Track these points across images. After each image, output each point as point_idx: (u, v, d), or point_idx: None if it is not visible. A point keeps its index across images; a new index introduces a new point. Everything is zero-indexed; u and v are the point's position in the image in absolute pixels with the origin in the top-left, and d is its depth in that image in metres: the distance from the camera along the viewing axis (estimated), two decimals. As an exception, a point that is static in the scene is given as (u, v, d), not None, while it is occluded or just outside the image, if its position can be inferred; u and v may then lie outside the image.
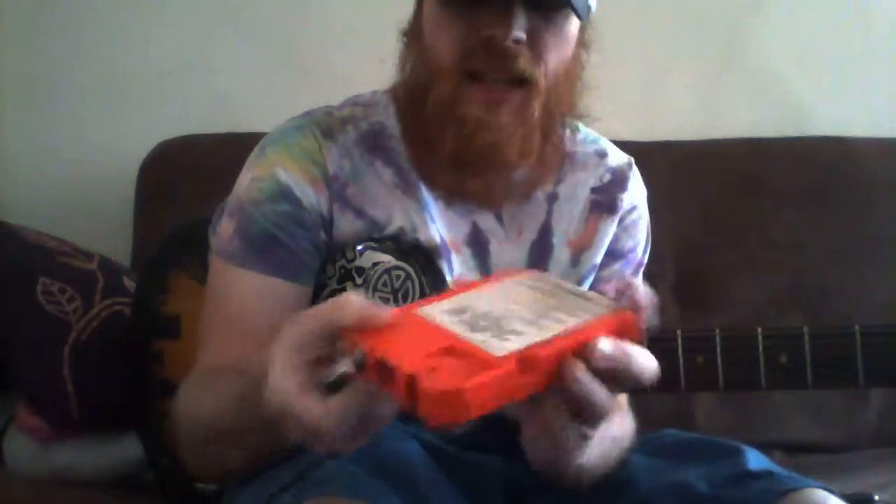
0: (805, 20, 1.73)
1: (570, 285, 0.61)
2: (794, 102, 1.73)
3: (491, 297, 0.58)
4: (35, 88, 1.67)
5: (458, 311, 0.56)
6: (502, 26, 0.81)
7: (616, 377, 0.54)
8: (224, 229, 0.90)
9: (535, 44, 0.84)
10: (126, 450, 1.21)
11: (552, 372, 0.52)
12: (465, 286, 0.61)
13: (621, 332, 0.54)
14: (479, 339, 0.53)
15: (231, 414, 0.72)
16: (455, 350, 0.52)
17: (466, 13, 0.83)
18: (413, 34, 0.91)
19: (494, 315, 0.55)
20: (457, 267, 0.91)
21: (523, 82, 0.84)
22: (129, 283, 1.27)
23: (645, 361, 0.55)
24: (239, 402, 0.70)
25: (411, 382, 0.48)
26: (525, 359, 0.50)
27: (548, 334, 0.53)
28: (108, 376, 1.19)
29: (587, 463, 0.66)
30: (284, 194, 0.88)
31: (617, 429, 0.71)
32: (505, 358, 0.50)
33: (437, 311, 0.56)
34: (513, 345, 0.52)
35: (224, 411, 0.73)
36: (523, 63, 0.83)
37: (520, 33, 0.81)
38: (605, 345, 0.53)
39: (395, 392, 0.50)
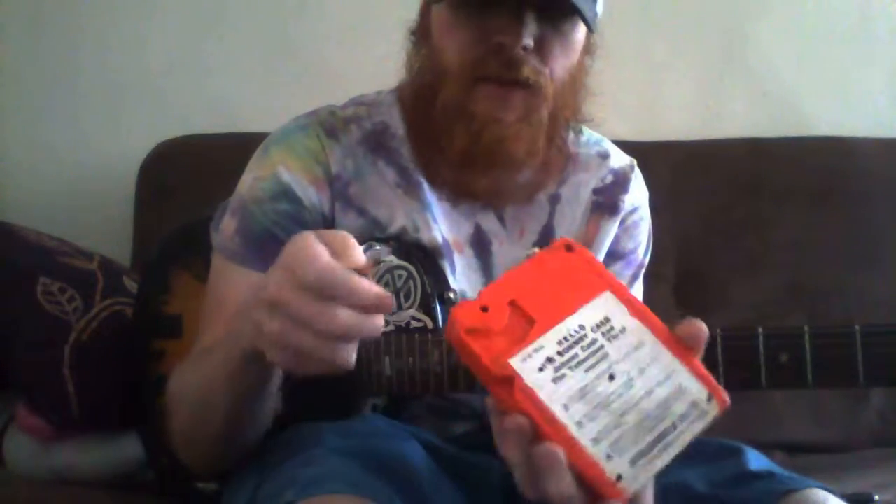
0: (805, 20, 1.73)
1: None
2: (794, 102, 1.73)
3: (633, 356, 0.54)
4: (35, 89, 1.67)
5: (606, 329, 0.54)
6: (512, 33, 0.82)
7: None
8: (226, 227, 0.90)
9: (543, 51, 0.84)
10: (126, 450, 1.21)
11: None
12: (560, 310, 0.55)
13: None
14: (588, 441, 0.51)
15: (206, 366, 0.74)
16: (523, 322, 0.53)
17: (477, 18, 0.84)
18: (421, 34, 0.91)
19: (599, 364, 0.53)
20: (459, 267, 0.92)
21: (529, 87, 0.84)
22: (130, 283, 1.27)
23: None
24: (213, 348, 0.73)
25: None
26: None
27: None
28: (108, 376, 1.19)
29: None
30: (286, 193, 0.89)
31: None
32: None
33: (602, 310, 0.54)
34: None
35: (201, 370, 0.75)
36: (530, 70, 0.83)
37: (529, 41, 0.82)
38: None
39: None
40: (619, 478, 0.50)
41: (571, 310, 0.54)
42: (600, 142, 1.02)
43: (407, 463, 0.75)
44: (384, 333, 0.86)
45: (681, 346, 0.54)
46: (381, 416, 0.86)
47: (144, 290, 1.19)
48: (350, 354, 0.58)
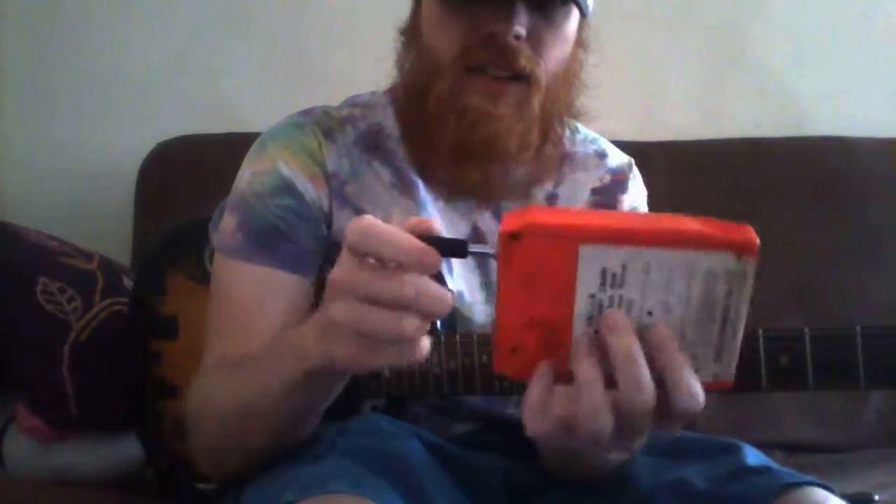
0: (805, 20, 1.72)
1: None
2: (794, 102, 1.72)
3: (651, 282, 0.51)
4: (35, 89, 1.67)
5: (611, 281, 0.51)
6: (503, 22, 0.82)
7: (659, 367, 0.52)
8: (226, 225, 0.90)
9: (535, 41, 0.84)
10: (126, 450, 1.21)
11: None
12: (652, 230, 0.51)
13: None
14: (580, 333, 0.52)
15: (255, 380, 0.73)
16: (550, 334, 0.53)
17: (467, 10, 0.84)
18: (411, 33, 0.91)
19: (632, 312, 0.52)
20: (456, 268, 0.91)
21: (523, 78, 0.84)
22: (129, 283, 1.27)
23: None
24: (264, 362, 0.72)
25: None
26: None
27: None
28: (107, 376, 1.19)
29: (608, 458, 0.67)
30: (287, 188, 0.88)
31: None
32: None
33: (595, 266, 0.51)
34: None
35: (247, 385, 0.74)
36: (523, 59, 0.83)
37: (521, 29, 0.82)
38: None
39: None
40: (716, 376, 0.52)
41: (572, 289, 0.52)
42: (597, 140, 1.02)
43: (408, 462, 0.75)
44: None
45: (676, 233, 0.51)
46: (382, 415, 0.86)
47: (139, 291, 1.18)
48: (421, 335, 0.56)
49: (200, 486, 1.06)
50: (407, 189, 0.91)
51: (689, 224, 0.51)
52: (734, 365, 0.52)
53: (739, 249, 0.49)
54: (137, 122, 1.66)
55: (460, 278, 0.92)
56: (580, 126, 1.00)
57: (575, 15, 0.87)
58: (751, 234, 0.50)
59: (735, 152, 1.62)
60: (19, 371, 1.19)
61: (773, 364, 0.73)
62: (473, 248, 0.55)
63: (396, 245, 0.53)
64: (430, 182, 0.92)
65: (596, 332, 0.53)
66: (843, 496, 0.74)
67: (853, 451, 1.43)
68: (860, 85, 1.73)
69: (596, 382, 0.53)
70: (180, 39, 1.68)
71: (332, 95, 1.02)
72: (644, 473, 0.80)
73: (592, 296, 0.52)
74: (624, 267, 0.50)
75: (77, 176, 1.67)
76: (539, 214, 0.52)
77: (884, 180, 1.58)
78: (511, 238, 0.51)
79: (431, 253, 0.53)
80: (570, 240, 0.50)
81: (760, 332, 0.73)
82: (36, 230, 1.31)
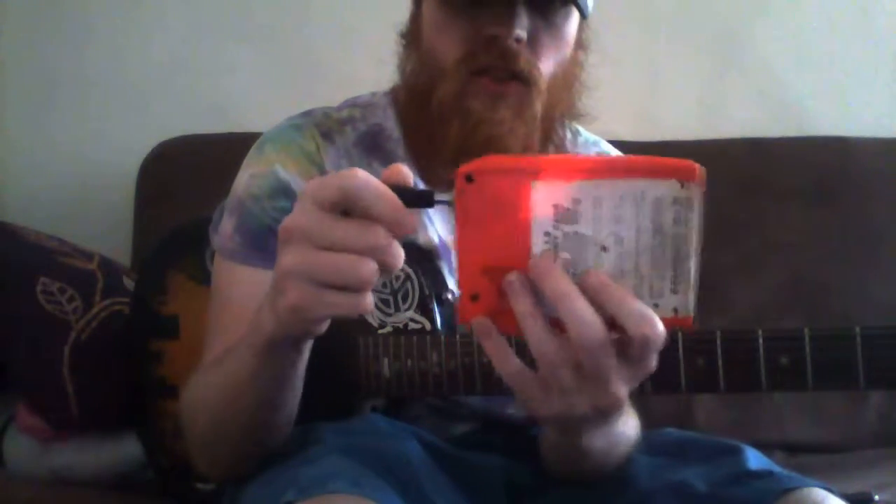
0: (805, 20, 1.72)
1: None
2: (794, 102, 1.72)
3: (603, 215, 0.52)
4: (36, 89, 1.67)
5: (564, 217, 0.52)
6: (504, 25, 0.82)
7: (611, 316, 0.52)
8: (224, 227, 0.90)
9: (536, 43, 0.84)
10: (126, 450, 1.21)
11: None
12: (606, 166, 0.53)
13: None
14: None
15: (228, 365, 0.72)
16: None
17: (468, 13, 0.84)
18: (412, 36, 0.91)
19: (587, 248, 0.52)
20: (456, 268, 0.91)
21: (524, 80, 0.84)
22: (129, 283, 1.27)
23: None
24: (234, 347, 0.71)
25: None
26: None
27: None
28: (107, 376, 1.19)
29: (593, 447, 0.67)
30: (284, 191, 0.88)
31: (622, 425, 0.71)
32: None
33: (548, 203, 0.52)
34: None
35: (226, 372, 0.73)
36: (524, 62, 0.84)
37: (521, 32, 0.82)
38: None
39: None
40: (676, 311, 0.53)
41: (528, 229, 0.53)
42: (598, 142, 1.02)
43: (407, 462, 0.75)
44: (382, 335, 0.86)
45: (623, 163, 0.53)
46: (382, 415, 0.86)
47: (140, 291, 1.19)
48: (372, 282, 0.54)
49: (200, 486, 1.06)
50: (407, 190, 0.91)
51: (635, 159, 0.53)
52: (693, 299, 0.53)
53: (683, 175, 0.51)
54: (137, 122, 1.66)
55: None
56: (581, 129, 1.00)
57: (575, 16, 0.87)
58: (694, 165, 0.52)
59: (735, 152, 1.62)
60: (19, 371, 1.19)
61: (772, 364, 0.72)
62: (440, 197, 0.55)
63: (386, 202, 0.53)
64: (431, 183, 0.92)
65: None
66: (843, 496, 0.74)
67: (853, 451, 1.43)
68: (860, 85, 1.73)
69: (534, 316, 0.53)
70: (180, 39, 1.68)
71: (332, 95, 1.02)
72: (644, 474, 0.80)
73: (547, 234, 0.52)
74: (576, 201, 0.52)
75: (77, 176, 1.67)
76: (494, 158, 0.54)
77: (884, 180, 1.58)
78: (466, 179, 0.52)
79: (412, 217, 0.54)
80: (522, 175, 0.52)
81: (760, 332, 0.73)
82: (36, 230, 1.31)
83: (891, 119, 1.72)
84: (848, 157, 1.60)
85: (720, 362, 0.73)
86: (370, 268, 0.54)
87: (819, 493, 0.73)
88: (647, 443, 0.84)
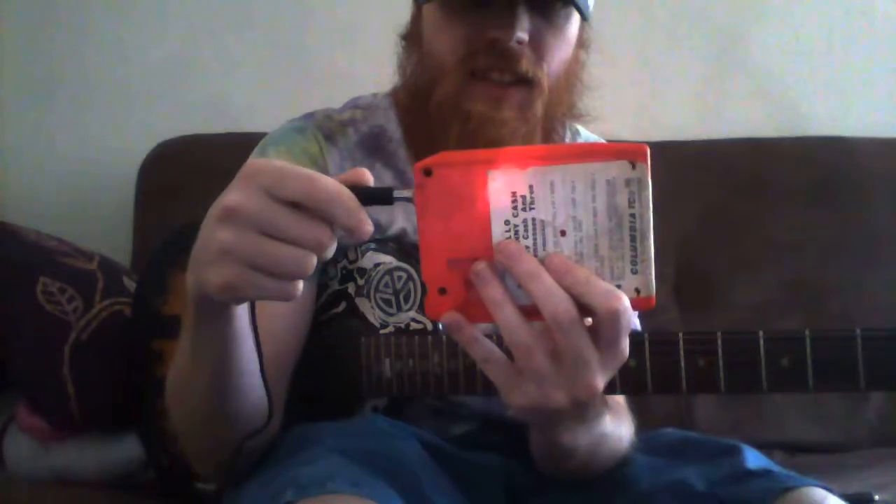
0: (805, 20, 1.73)
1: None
2: (794, 102, 1.73)
3: (558, 199, 0.53)
4: (36, 89, 1.67)
5: (522, 204, 0.53)
6: (505, 27, 0.82)
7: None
8: None
9: (537, 45, 0.84)
10: (126, 450, 1.21)
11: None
12: (557, 153, 0.54)
13: None
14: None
15: (182, 344, 0.70)
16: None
17: (469, 15, 0.84)
18: (412, 38, 0.91)
19: (546, 234, 0.54)
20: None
21: (526, 82, 0.84)
22: (129, 283, 1.27)
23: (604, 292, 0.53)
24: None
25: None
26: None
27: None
28: (108, 376, 1.19)
29: (577, 445, 0.67)
30: None
31: (610, 425, 0.71)
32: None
33: (505, 191, 0.53)
34: None
35: (178, 357, 0.72)
36: (526, 63, 0.83)
37: (523, 34, 0.82)
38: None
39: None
40: (638, 292, 0.54)
41: (488, 219, 0.54)
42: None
43: (407, 462, 0.75)
44: (384, 335, 0.86)
45: (573, 149, 0.54)
46: (382, 416, 0.86)
47: (142, 291, 1.19)
48: (308, 275, 0.55)
49: (200, 485, 1.06)
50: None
51: (587, 144, 0.55)
52: (652, 279, 0.54)
53: (632, 156, 0.53)
54: (137, 122, 1.66)
55: None
56: (581, 128, 1.00)
57: (576, 16, 0.87)
58: (643, 146, 0.53)
59: (735, 152, 1.62)
60: (19, 371, 1.19)
61: (773, 365, 0.73)
62: (398, 194, 0.56)
63: (346, 207, 0.53)
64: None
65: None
66: (843, 496, 0.74)
67: (853, 451, 1.43)
68: (860, 85, 1.73)
69: (505, 302, 0.54)
70: (180, 39, 1.68)
71: (333, 95, 1.02)
72: (643, 474, 0.80)
73: (507, 222, 0.54)
74: (531, 188, 0.53)
75: (77, 176, 1.67)
76: (450, 152, 0.55)
77: (883, 180, 1.58)
78: (424, 173, 0.54)
79: (368, 226, 0.54)
80: (478, 165, 0.53)
81: (761, 333, 0.73)
82: (36, 230, 1.31)
83: (891, 119, 1.72)
84: (848, 157, 1.60)
85: (720, 363, 0.74)
86: (311, 262, 0.54)
87: (818, 492, 0.73)
88: (647, 443, 0.84)
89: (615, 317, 0.53)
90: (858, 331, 0.71)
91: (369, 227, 0.54)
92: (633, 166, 0.53)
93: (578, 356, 0.55)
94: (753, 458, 0.80)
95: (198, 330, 0.65)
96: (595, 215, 0.53)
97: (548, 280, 0.53)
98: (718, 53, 1.73)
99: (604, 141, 1.04)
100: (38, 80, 1.67)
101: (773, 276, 1.53)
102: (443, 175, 0.54)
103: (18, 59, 1.66)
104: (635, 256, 0.54)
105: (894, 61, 1.74)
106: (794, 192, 1.57)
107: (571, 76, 0.90)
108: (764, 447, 0.89)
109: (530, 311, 0.54)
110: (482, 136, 0.85)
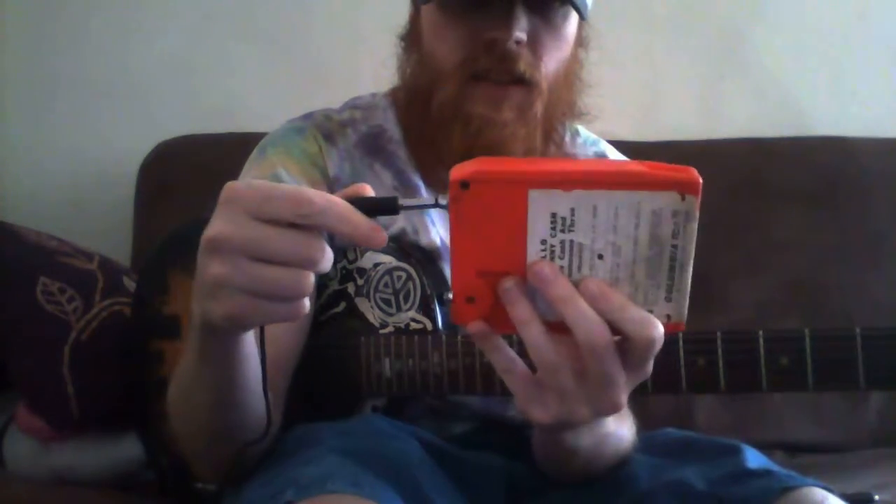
0: (805, 20, 1.72)
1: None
2: (794, 102, 1.72)
3: (599, 225, 0.52)
4: (35, 89, 1.67)
5: (561, 226, 0.52)
6: (504, 28, 0.82)
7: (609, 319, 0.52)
8: None
9: (536, 44, 0.84)
10: (126, 450, 1.21)
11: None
12: (602, 174, 0.52)
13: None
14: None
15: (185, 359, 0.70)
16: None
17: (467, 16, 0.84)
18: (411, 39, 0.91)
19: (583, 256, 0.52)
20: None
21: (525, 82, 0.84)
22: (129, 283, 1.27)
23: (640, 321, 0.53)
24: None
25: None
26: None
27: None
28: (108, 376, 1.19)
29: (580, 445, 0.67)
30: None
31: (612, 425, 0.72)
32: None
33: (545, 212, 0.51)
34: None
35: (180, 374, 0.72)
36: (524, 64, 0.83)
37: (521, 35, 0.82)
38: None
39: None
40: (669, 318, 0.54)
41: (523, 236, 0.52)
42: (598, 143, 1.02)
43: (407, 462, 0.75)
44: (383, 335, 0.86)
45: (621, 174, 0.51)
46: (382, 416, 0.86)
47: (142, 291, 1.18)
48: (309, 292, 0.53)
49: (200, 486, 1.06)
50: (409, 191, 0.92)
51: (634, 166, 0.52)
52: (685, 306, 0.54)
53: (683, 188, 0.51)
54: (137, 122, 1.66)
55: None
56: (581, 128, 1.00)
57: (574, 15, 0.87)
58: (694, 174, 0.51)
59: (735, 152, 1.62)
60: (19, 371, 1.19)
61: (773, 364, 0.73)
62: (405, 202, 0.55)
63: (339, 215, 0.51)
64: (432, 184, 0.92)
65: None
66: (843, 496, 0.74)
67: (853, 451, 1.43)
68: (860, 85, 1.73)
69: (533, 321, 0.53)
70: (181, 39, 1.68)
71: (332, 96, 1.02)
72: (643, 474, 0.80)
73: (544, 241, 0.52)
74: (572, 210, 0.51)
75: (77, 176, 1.67)
76: (488, 163, 0.53)
77: (884, 180, 1.58)
78: (461, 186, 0.51)
79: (381, 232, 0.53)
80: (519, 185, 0.51)
81: (760, 332, 0.73)
82: (36, 230, 1.31)
83: (891, 119, 1.71)
84: (848, 157, 1.60)
85: (720, 362, 0.74)
86: (309, 280, 0.53)
87: (818, 492, 0.73)
88: (647, 443, 0.84)
89: (650, 345, 0.53)
90: (858, 330, 0.71)
91: (381, 235, 0.53)
92: (683, 198, 0.51)
93: (607, 377, 0.54)
94: (753, 458, 0.80)
95: (203, 352, 0.65)
96: (636, 243, 0.52)
97: (582, 304, 0.52)
98: (719, 53, 1.73)
99: (603, 140, 1.03)
100: (38, 80, 1.67)
101: (773, 276, 1.53)
102: (480, 191, 0.51)
103: (19, 59, 1.66)
104: (671, 286, 0.53)
105: (894, 61, 1.74)
106: (794, 192, 1.57)
107: (571, 75, 0.90)
108: (764, 447, 0.89)
109: (558, 328, 0.53)
110: (483, 139, 0.85)
